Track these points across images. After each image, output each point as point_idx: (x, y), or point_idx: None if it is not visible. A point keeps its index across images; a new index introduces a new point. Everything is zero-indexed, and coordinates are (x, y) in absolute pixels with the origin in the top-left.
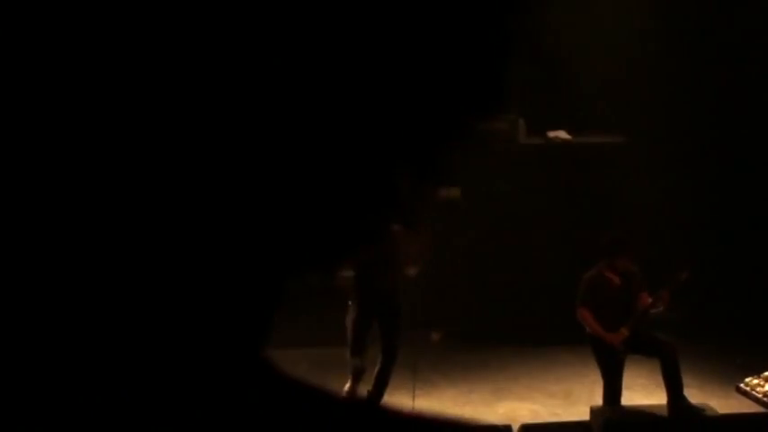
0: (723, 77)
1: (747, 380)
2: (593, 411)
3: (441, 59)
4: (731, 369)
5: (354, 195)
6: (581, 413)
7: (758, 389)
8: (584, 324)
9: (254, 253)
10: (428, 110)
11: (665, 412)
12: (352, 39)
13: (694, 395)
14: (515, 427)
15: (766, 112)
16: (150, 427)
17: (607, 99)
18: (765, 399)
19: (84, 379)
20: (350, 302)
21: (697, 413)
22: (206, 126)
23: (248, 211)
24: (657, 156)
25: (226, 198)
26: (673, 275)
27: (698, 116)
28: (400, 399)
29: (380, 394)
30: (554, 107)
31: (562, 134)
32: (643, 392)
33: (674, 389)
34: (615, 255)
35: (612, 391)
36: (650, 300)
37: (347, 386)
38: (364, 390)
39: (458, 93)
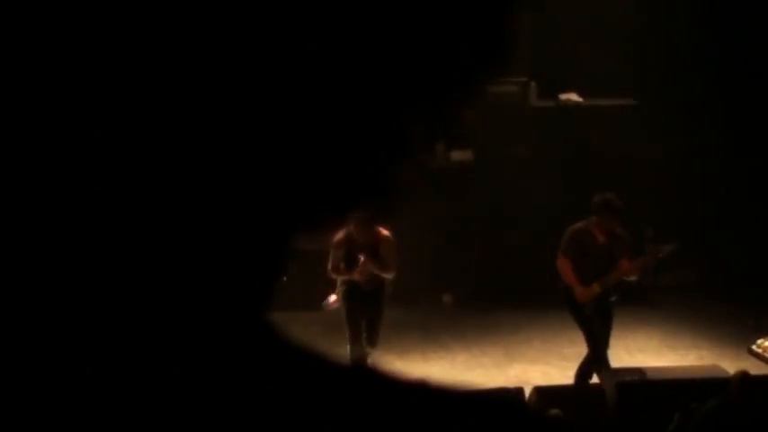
0: (732, 40)
1: (759, 341)
2: (604, 375)
3: (446, 12)
4: (744, 331)
5: (362, 144)
6: (593, 375)
7: None
8: (561, 273)
9: (254, 207)
10: (435, 63)
11: (676, 374)
12: None
13: (706, 356)
14: (528, 389)
15: None
16: (151, 398)
17: (618, 61)
18: None
19: (85, 355)
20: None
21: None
22: (201, 84)
23: (247, 164)
24: (667, 117)
25: (221, 155)
26: (653, 249)
27: (707, 79)
28: (412, 361)
29: None
30: (565, 70)
31: (573, 97)
32: (655, 355)
33: (580, 380)
34: (602, 213)
35: (595, 344)
36: (627, 266)
37: None
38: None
39: (464, 47)
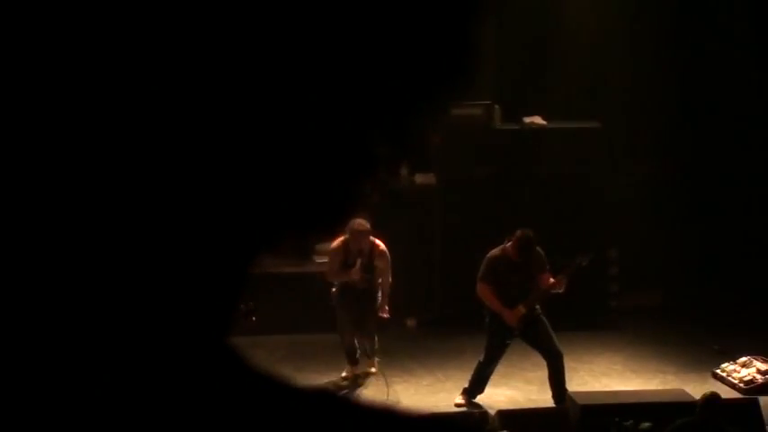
0: (697, 64)
1: (723, 365)
2: (570, 397)
3: (410, 33)
4: (708, 355)
5: (329, 163)
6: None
7: (734, 374)
8: (482, 300)
9: (220, 229)
10: (398, 85)
11: (640, 398)
12: (320, 18)
13: (671, 381)
14: (492, 413)
15: (740, 98)
16: (113, 420)
17: (581, 85)
18: (741, 384)
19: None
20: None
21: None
22: (180, 101)
23: (219, 186)
24: (631, 141)
25: (194, 175)
26: (572, 261)
27: (671, 102)
28: (376, 386)
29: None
30: (529, 93)
31: (537, 120)
32: (619, 378)
33: (557, 393)
34: (517, 248)
35: (482, 374)
36: (552, 280)
37: (345, 370)
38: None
39: (427, 69)
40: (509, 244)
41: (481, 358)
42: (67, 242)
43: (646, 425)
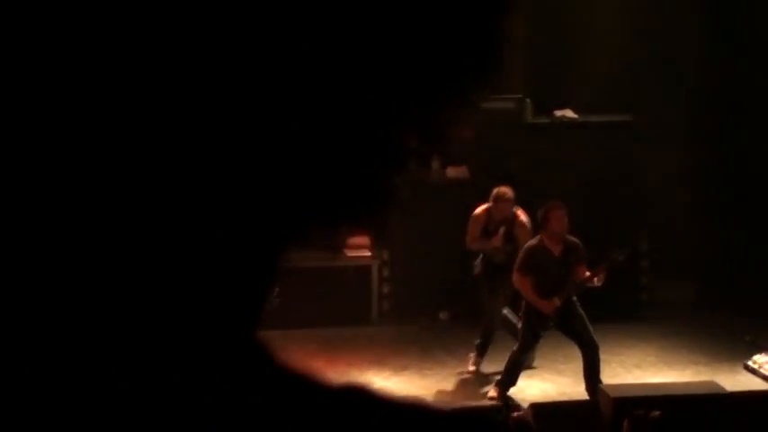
0: (730, 54)
1: (756, 357)
2: (602, 389)
3: (441, 25)
4: (740, 347)
5: (359, 156)
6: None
7: (766, 366)
8: (520, 290)
9: (250, 222)
10: (429, 78)
11: (672, 390)
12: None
13: (703, 372)
14: (525, 405)
15: None
16: (142, 416)
17: (612, 77)
18: None
19: (76, 374)
20: None
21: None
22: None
23: (245, 176)
24: (663, 134)
25: (211, 168)
26: (611, 254)
27: (703, 93)
28: (409, 377)
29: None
30: (561, 86)
31: (569, 113)
32: (652, 370)
33: (591, 385)
34: (546, 221)
35: (516, 365)
36: (588, 273)
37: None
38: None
39: (458, 62)
40: (543, 233)
41: (515, 348)
42: (92, 236)
43: (656, 413)
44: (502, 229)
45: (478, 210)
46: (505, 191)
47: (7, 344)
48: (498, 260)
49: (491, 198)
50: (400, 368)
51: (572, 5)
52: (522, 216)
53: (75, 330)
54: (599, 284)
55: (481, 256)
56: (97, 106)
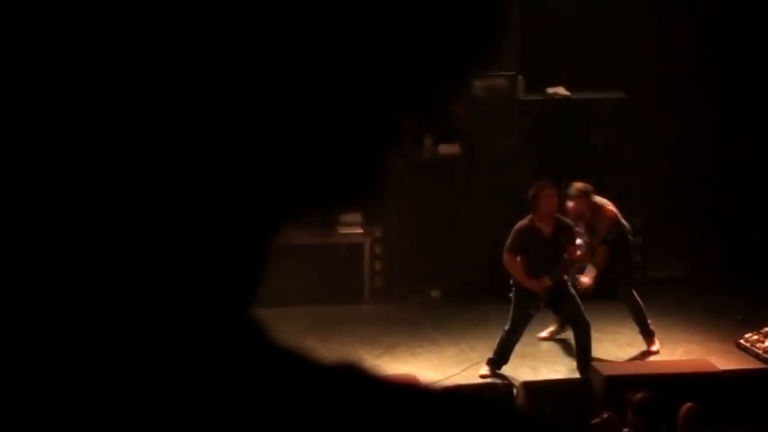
0: (721, 34)
1: (747, 336)
2: (594, 368)
3: (434, 2)
4: (732, 325)
5: (352, 133)
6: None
7: (758, 345)
8: (509, 270)
9: (238, 200)
10: (422, 55)
11: (664, 369)
12: None
13: (695, 351)
14: (517, 384)
15: (764, 70)
16: (136, 398)
17: (605, 55)
18: (765, 355)
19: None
20: None
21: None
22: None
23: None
24: (656, 110)
25: (204, 147)
26: (604, 235)
27: (696, 72)
28: (400, 356)
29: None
30: (553, 63)
31: (561, 90)
32: (643, 348)
33: (583, 363)
34: (537, 201)
35: (507, 344)
36: (579, 253)
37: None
38: None
39: (451, 39)
40: (533, 214)
41: (506, 327)
42: (84, 220)
43: (638, 395)
44: (582, 226)
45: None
46: (579, 187)
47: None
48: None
49: (570, 194)
50: (391, 346)
51: None
52: (599, 200)
53: (65, 311)
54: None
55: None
56: (88, 100)
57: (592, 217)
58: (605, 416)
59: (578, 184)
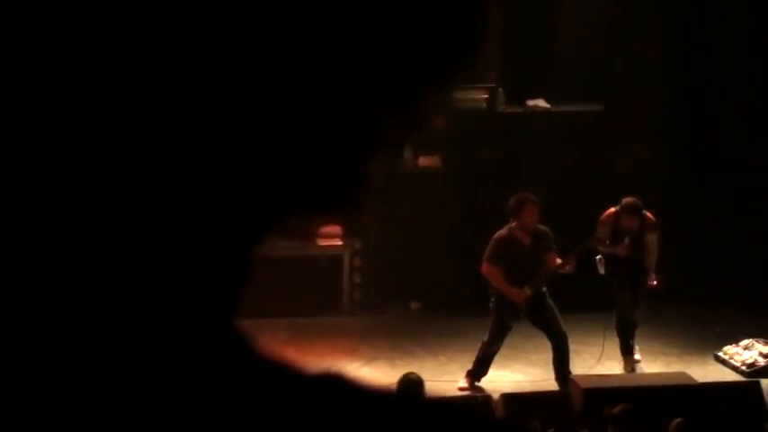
0: (700, 47)
1: (726, 348)
2: (572, 380)
3: (414, 13)
4: (710, 337)
5: (332, 144)
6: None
7: (736, 357)
8: (489, 280)
9: (223, 211)
10: (403, 66)
11: (643, 381)
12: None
13: (673, 363)
14: (496, 396)
15: (742, 84)
16: (121, 407)
17: (585, 68)
18: (743, 367)
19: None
20: None
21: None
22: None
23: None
24: (635, 124)
25: (184, 156)
26: (582, 242)
27: (674, 86)
28: (379, 368)
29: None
30: (533, 76)
31: (541, 103)
32: (621, 361)
33: (562, 375)
34: (519, 213)
35: (486, 354)
36: (559, 261)
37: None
38: None
39: (432, 50)
40: (513, 222)
41: (485, 338)
42: (67, 229)
43: (617, 409)
44: (627, 240)
45: (607, 212)
46: (634, 202)
47: None
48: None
49: (621, 207)
50: (371, 358)
51: None
52: (651, 216)
53: (44, 319)
54: (570, 271)
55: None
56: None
57: (640, 228)
58: None
59: (631, 199)
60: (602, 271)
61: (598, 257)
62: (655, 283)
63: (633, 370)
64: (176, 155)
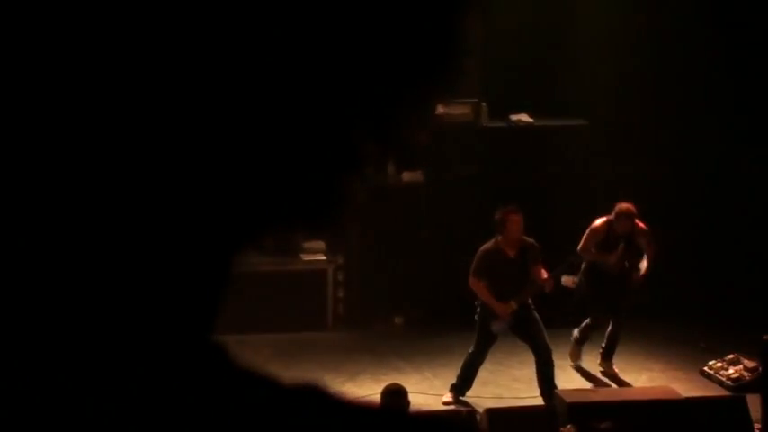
0: (685, 63)
1: (711, 363)
2: (557, 395)
3: (396, 29)
4: (695, 352)
5: (315, 159)
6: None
7: (721, 372)
8: (475, 293)
9: (203, 225)
10: (384, 81)
11: (627, 396)
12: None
13: (657, 378)
14: (480, 411)
15: (727, 98)
16: (101, 419)
17: (568, 83)
18: (728, 382)
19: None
20: None
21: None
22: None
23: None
24: (618, 138)
25: (163, 174)
26: (568, 257)
27: (658, 101)
28: (363, 383)
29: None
30: (516, 91)
31: (525, 117)
32: (606, 376)
33: (546, 390)
34: (503, 226)
35: (471, 368)
36: (545, 276)
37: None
38: None
39: (414, 65)
40: (498, 236)
41: (471, 350)
42: (52, 245)
43: (603, 425)
44: (621, 246)
45: (598, 222)
46: (629, 207)
47: None
48: (614, 272)
49: (614, 213)
50: (355, 373)
51: (528, 10)
52: (642, 225)
53: (40, 335)
54: (549, 290)
55: (585, 264)
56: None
57: (632, 233)
58: None
59: (626, 205)
60: (571, 285)
61: (571, 277)
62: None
63: (611, 375)
64: (157, 171)
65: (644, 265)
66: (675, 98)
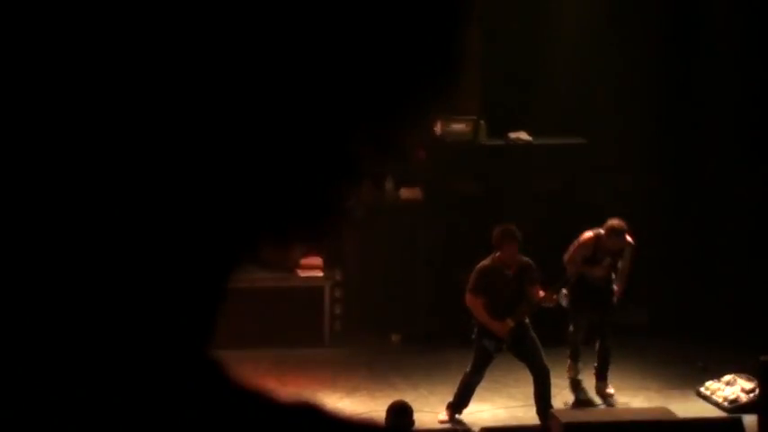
0: (683, 79)
1: (708, 384)
2: (553, 414)
3: (394, 45)
4: (692, 372)
5: (312, 174)
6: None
7: (718, 393)
8: (472, 311)
9: (199, 239)
10: (383, 96)
11: (623, 416)
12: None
13: (654, 398)
14: (476, 429)
15: (726, 115)
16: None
17: (567, 101)
18: (725, 403)
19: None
20: None
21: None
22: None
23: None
24: (617, 158)
25: (161, 177)
26: (565, 275)
27: (656, 118)
28: (359, 399)
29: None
30: (515, 109)
31: (523, 135)
32: (601, 395)
33: (543, 409)
34: (502, 245)
35: (468, 386)
36: (542, 294)
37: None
38: None
39: (412, 81)
40: (497, 253)
41: (468, 368)
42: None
43: None
44: (608, 260)
45: (587, 235)
46: (621, 224)
47: None
48: (597, 285)
49: (605, 229)
50: (351, 390)
51: (527, 28)
52: (631, 240)
53: (31, 347)
54: (551, 305)
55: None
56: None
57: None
58: None
59: (618, 222)
60: (564, 303)
61: (563, 292)
62: (616, 288)
63: (606, 396)
64: (153, 183)
65: (623, 277)
66: (676, 113)
